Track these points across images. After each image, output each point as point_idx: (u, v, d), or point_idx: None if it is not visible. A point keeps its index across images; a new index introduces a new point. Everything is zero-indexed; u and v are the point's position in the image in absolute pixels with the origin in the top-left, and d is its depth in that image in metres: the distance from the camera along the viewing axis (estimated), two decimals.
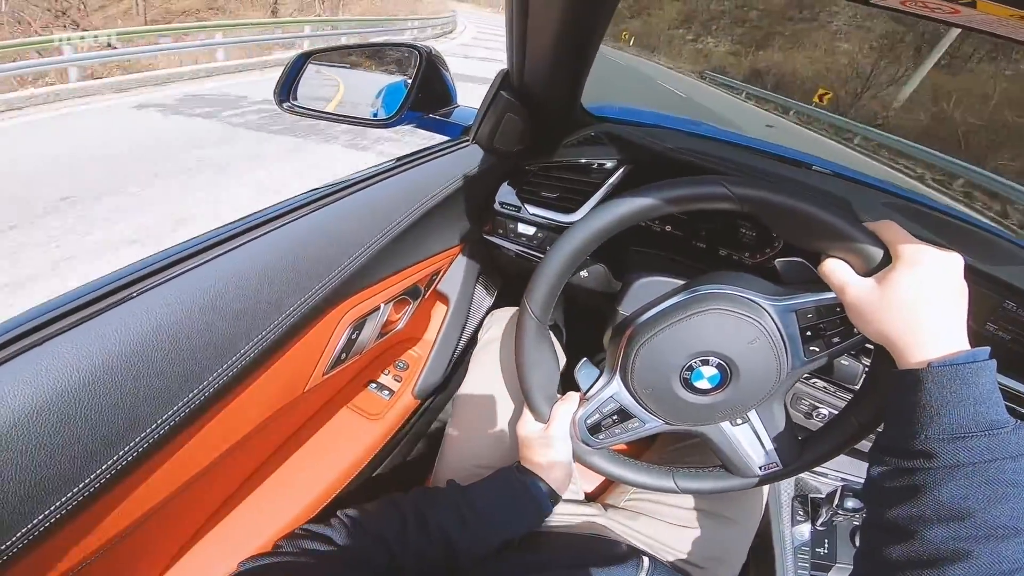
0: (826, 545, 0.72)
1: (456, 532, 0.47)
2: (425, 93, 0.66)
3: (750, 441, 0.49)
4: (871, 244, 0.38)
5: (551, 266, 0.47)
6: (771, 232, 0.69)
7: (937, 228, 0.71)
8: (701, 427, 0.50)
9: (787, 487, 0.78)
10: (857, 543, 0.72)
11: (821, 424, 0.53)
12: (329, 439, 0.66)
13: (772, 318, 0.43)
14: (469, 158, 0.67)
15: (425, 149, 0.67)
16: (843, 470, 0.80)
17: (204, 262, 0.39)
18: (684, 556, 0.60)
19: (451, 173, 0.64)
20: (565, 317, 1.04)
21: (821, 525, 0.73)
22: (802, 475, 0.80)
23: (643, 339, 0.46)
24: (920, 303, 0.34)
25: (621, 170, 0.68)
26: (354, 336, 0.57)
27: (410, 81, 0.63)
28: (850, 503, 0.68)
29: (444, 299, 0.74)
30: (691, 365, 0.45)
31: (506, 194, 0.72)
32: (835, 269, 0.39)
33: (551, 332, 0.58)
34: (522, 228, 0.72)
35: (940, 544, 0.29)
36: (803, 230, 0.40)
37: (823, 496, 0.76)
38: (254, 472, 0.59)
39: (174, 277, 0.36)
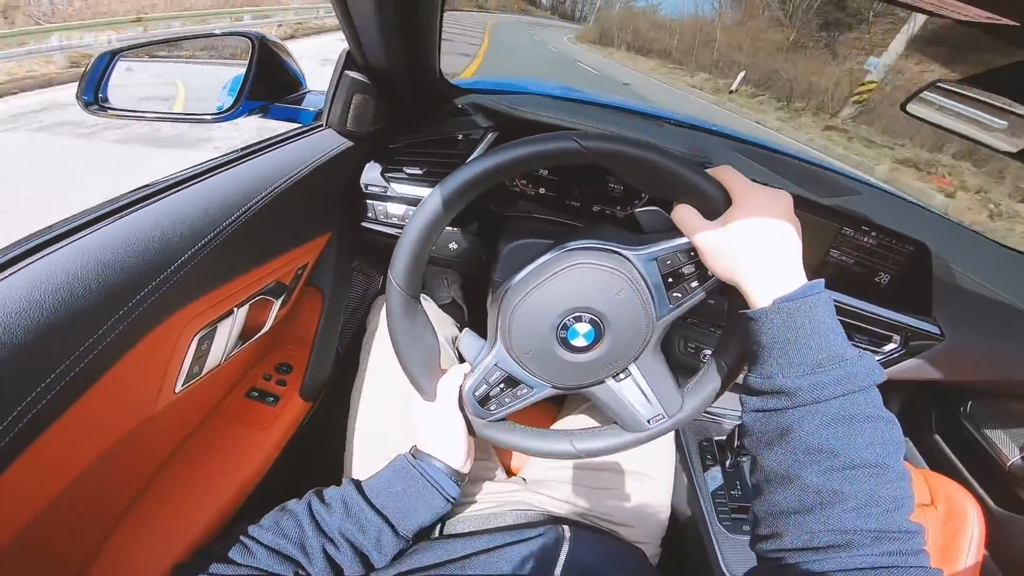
0: (738, 487, 0.73)
1: (357, 533, 0.44)
2: (267, 81, 0.62)
3: (635, 395, 0.50)
4: (713, 189, 0.40)
5: (409, 237, 0.45)
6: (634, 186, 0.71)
7: (779, 168, 0.76)
8: (588, 387, 0.50)
9: (692, 434, 0.80)
10: None
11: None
12: (215, 458, 0.61)
13: (636, 267, 0.44)
14: (323, 143, 0.64)
15: (273, 137, 0.63)
16: (739, 408, 0.85)
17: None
18: (609, 517, 0.60)
19: (303, 160, 0.61)
20: (464, 293, 1.04)
21: (730, 467, 0.74)
22: (703, 419, 0.84)
23: (516, 301, 0.45)
24: (756, 241, 0.36)
25: (487, 139, 0.68)
26: (205, 347, 0.52)
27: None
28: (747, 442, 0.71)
29: (318, 292, 0.71)
30: (565, 323, 0.45)
31: (371, 176, 0.69)
32: (685, 215, 0.40)
33: (448, 310, 0.57)
34: (392, 208, 0.70)
35: (818, 485, 0.31)
36: (652, 180, 0.41)
37: (725, 439, 0.77)
38: (135, 501, 0.54)
39: None
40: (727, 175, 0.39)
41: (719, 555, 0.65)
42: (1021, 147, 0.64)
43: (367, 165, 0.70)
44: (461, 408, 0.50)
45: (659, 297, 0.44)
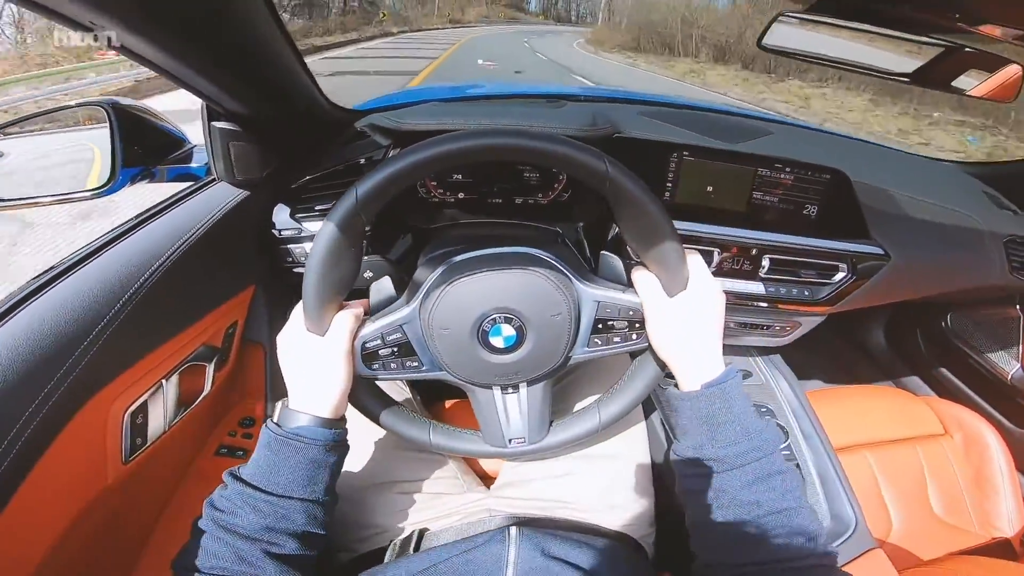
0: None
1: (272, 520, 0.40)
2: (141, 145, 0.59)
3: (511, 412, 0.50)
4: (682, 271, 0.42)
5: (311, 273, 0.42)
6: (552, 171, 0.70)
7: (687, 122, 0.76)
8: (478, 386, 0.49)
9: (658, 413, 0.78)
10: None
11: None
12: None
13: (579, 300, 0.45)
14: (218, 197, 0.62)
15: (165, 200, 0.61)
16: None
17: None
18: (581, 506, 0.57)
19: (198, 219, 0.59)
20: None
21: None
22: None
23: (458, 277, 0.43)
24: (698, 328, 0.42)
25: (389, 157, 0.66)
26: (140, 420, 0.53)
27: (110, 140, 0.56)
28: None
29: (258, 346, 0.69)
30: (494, 318, 0.44)
31: (281, 219, 0.67)
32: (649, 282, 0.43)
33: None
34: (309, 247, 0.68)
35: (751, 528, 0.39)
36: (637, 233, 0.43)
37: None
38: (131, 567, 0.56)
39: None
40: (695, 262, 0.43)
41: None
42: (912, 69, 0.64)
43: (275, 209, 0.67)
44: (345, 356, 0.44)
45: (582, 336, 0.46)
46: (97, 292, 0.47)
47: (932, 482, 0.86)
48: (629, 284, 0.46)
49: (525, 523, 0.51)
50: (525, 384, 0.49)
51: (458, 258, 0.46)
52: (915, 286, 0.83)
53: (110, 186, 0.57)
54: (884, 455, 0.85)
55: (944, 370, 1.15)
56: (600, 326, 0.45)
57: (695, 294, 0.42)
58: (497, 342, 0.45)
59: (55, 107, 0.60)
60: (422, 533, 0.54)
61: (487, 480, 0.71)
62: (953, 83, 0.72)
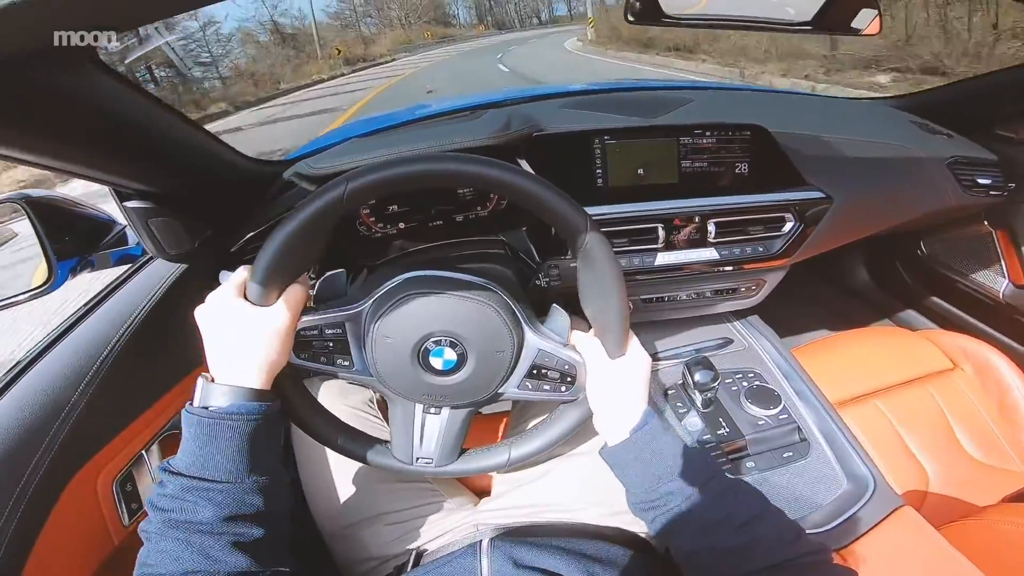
0: (722, 424, 0.68)
1: (214, 513, 0.36)
2: (70, 235, 0.60)
3: (427, 432, 0.50)
4: (625, 342, 0.46)
5: (275, 242, 0.40)
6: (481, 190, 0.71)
7: (603, 105, 0.78)
8: (403, 398, 0.48)
9: (655, 386, 0.74)
10: (743, 402, 0.70)
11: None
12: None
13: (523, 343, 0.46)
14: (159, 273, 0.63)
15: (109, 285, 0.62)
16: (673, 345, 0.82)
17: None
18: (568, 505, 0.56)
19: (141, 298, 0.60)
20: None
21: (704, 407, 0.70)
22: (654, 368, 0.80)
23: (417, 290, 0.44)
24: (632, 390, 0.46)
25: None
26: (130, 487, 0.56)
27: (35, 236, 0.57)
28: (699, 375, 0.66)
29: None
30: (439, 339, 0.44)
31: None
32: (592, 347, 0.46)
33: None
34: None
35: (734, 544, 0.39)
36: (598, 302, 0.46)
37: (681, 381, 0.73)
38: None
39: None
40: (633, 337, 0.47)
41: None
42: (811, 16, 0.64)
43: (220, 275, 0.68)
44: (288, 331, 0.41)
45: (516, 376, 0.47)
46: (57, 383, 0.50)
47: (956, 421, 0.80)
48: (567, 340, 0.49)
49: (501, 535, 0.49)
50: (449, 408, 0.49)
51: (421, 273, 0.47)
52: (869, 222, 0.82)
53: (52, 283, 0.58)
54: (896, 400, 0.80)
55: (935, 298, 1.11)
56: (535, 371, 0.47)
57: (631, 359, 0.46)
58: (436, 363, 0.45)
59: None
60: (418, 558, 0.54)
61: (485, 494, 0.68)
62: (852, 23, 0.73)
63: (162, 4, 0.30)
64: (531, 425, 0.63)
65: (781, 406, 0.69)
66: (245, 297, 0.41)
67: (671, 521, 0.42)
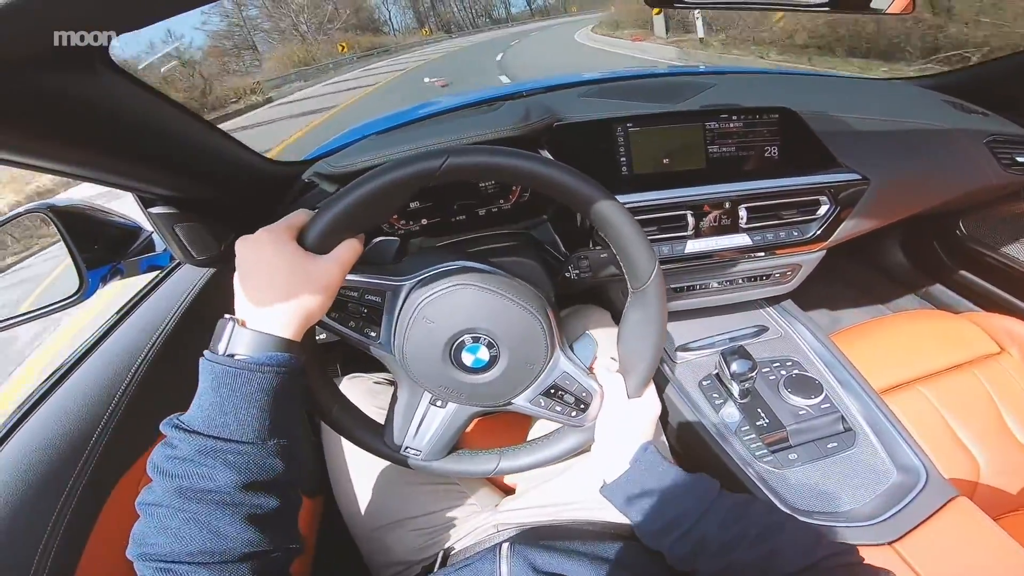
0: (761, 415, 0.65)
1: (232, 479, 0.32)
2: (100, 243, 0.61)
3: (426, 424, 0.49)
4: (646, 386, 0.48)
5: (351, 194, 0.39)
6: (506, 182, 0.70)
7: (626, 93, 0.76)
8: (417, 385, 0.47)
9: (689, 377, 0.72)
10: (783, 391, 0.66)
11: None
12: None
13: (551, 361, 0.47)
14: (188, 278, 0.63)
15: (138, 292, 0.62)
16: (707, 334, 0.80)
17: None
18: (590, 502, 0.54)
19: (175, 300, 0.60)
20: None
21: (742, 396, 0.67)
22: (686, 360, 0.77)
23: (471, 282, 0.43)
24: (639, 428, 0.48)
25: None
26: None
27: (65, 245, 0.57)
28: (736, 365, 0.62)
29: None
30: (476, 335, 0.44)
31: None
32: (614, 383, 0.48)
33: None
34: None
35: (752, 558, 0.39)
36: (636, 351, 0.48)
37: (717, 371, 0.70)
38: None
39: None
40: (652, 383, 0.50)
41: (773, 497, 0.57)
42: None
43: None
44: (336, 283, 0.39)
45: (532, 391, 0.48)
46: (95, 392, 0.51)
47: (1005, 408, 0.76)
48: (589, 368, 0.50)
49: (520, 538, 0.48)
50: (457, 405, 0.48)
51: (480, 266, 0.46)
52: (908, 202, 0.79)
53: (84, 292, 0.58)
54: (942, 387, 0.76)
55: (976, 278, 1.06)
56: (552, 391, 0.48)
57: (647, 403, 0.49)
58: (467, 359, 0.45)
59: None
60: (443, 560, 0.54)
61: (508, 491, 0.67)
62: (872, 3, 0.70)
63: (162, 4, 0.30)
64: (529, 436, 0.62)
65: (823, 395, 0.66)
66: (298, 241, 0.38)
67: (686, 546, 0.41)
